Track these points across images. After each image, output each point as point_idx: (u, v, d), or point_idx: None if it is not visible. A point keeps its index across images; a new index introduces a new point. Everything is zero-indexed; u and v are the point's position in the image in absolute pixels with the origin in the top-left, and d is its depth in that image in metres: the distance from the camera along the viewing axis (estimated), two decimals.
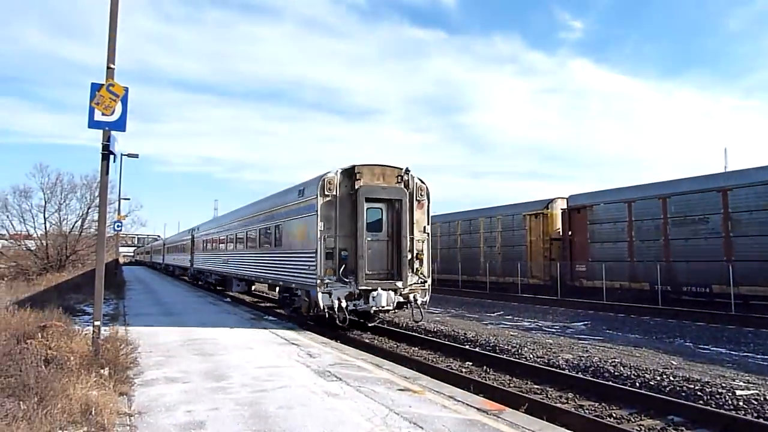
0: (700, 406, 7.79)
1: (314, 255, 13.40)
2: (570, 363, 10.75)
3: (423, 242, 14.58)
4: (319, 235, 13.32)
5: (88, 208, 32.23)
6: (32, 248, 31.91)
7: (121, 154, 32.47)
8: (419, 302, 14.04)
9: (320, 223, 13.36)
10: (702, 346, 13.34)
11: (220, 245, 26.42)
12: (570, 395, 8.91)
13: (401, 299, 13.89)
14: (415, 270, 14.12)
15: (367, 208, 13.67)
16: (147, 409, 6.18)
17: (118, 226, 32.74)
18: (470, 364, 11.55)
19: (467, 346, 13.12)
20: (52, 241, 31.71)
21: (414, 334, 15.03)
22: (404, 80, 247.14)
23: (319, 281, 13.21)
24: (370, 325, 15.38)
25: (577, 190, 31.39)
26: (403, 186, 14.15)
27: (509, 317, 19.97)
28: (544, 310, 21.50)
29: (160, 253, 52.98)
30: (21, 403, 5.57)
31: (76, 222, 32.71)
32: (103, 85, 7.67)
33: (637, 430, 7.10)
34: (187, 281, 34.79)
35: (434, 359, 12.19)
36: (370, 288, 13.33)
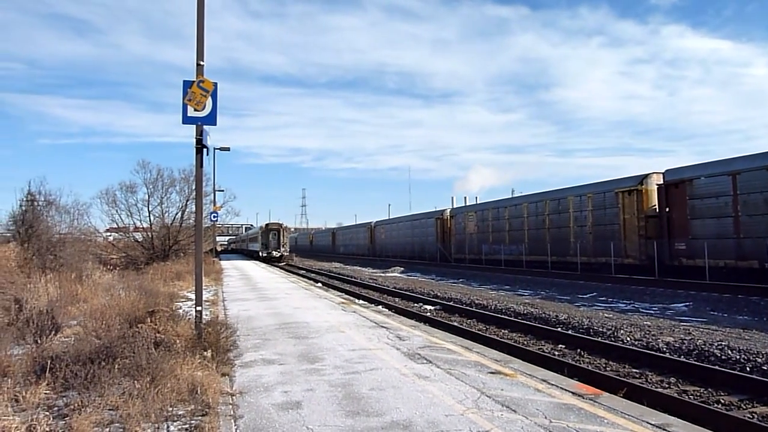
0: None
1: (258, 244, 58.81)
2: (671, 346, 10.22)
3: (287, 239, 61.03)
4: (259, 239, 59.09)
5: (187, 201, 34.10)
6: (139, 240, 34.26)
7: (214, 148, 34.09)
8: (285, 256, 57.12)
9: (260, 236, 59.14)
10: None
11: (249, 240, 73.64)
12: (672, 380, 8.48)
13: (279, 254, 56.41)
14: (283, 246, 57.87)
15: (271, 232, 58.29)
16: (247, 389, 6.50)
17: (214, 217, 34.45)
18: (563, 347, 11.25)
19: (559, 329, 12.79)
20: (156, 233, 33.89)
21: (503, 316, 14.85)
22: (487, 60, 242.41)
23: (259, 249, 57.92)
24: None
25: (673, 164, 29.57)
26: (279, 227, 59.28)
27: (603, 299, 19.26)
28: (640, 291, 20.51)
29: (245, 241, 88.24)
30: (135, 382, 6.02)
31: (176, 214, 34.75)
32: (194, 81, 8.04)
33: (749, 417, 6.63)
34: (253, 257, 63.63)
35: (525, 342, 11.99)
36: (271, 250, 56.67)
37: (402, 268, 41.21)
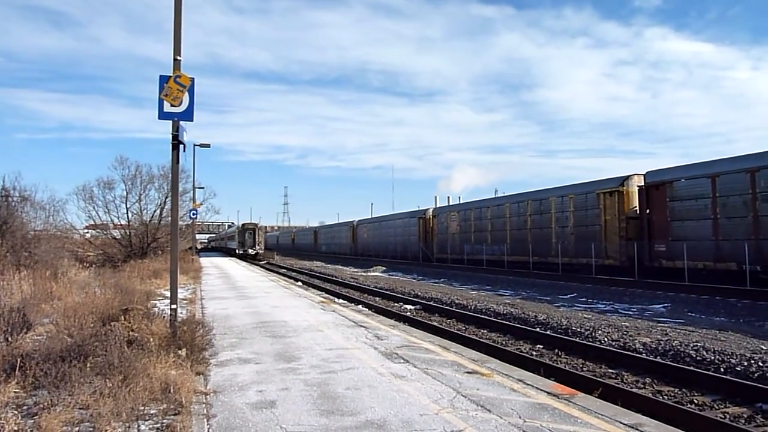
0: None
1: (236, 242, 61.32)
2: (648, 347, 10.32)
3: (262, 238, 64.06)
4: (236, 237, 61.46)
5: (166, 198, 33.37)
6: (117, 237, 33.73)
7: (193, 144, 33.91)
8: (261, 253, 59.24)
9: (237, 235, 61.66)
10: None
11: (227, 239, 75.36)
12: (647, 380, 8.55)
13: (255, 252, 58.79)
14: (259, 244, 60.29)
15: (247, 231, 61.01)
16: (221, 388, 6.42)
17: (193, 214, 34.09)
18: (541, 347, 11.31)
19: (538, 329, 12.85)
20: (134, 230, 33.39)
21: (483, 316, 14.89)
22: (471, 59, 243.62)
23: (236, 247, 60.36)
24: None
25: (655, 166, 29.83)
26: (255, 226, 62.64)
27: (583, 299, 19.41)
28: (620, 292, 20.70)
29: (224, 240, 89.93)
30: (107, 380, 5.92)
31: (155, 211, 34.19)
32: (170, 76, 7.92)
33: (721, 417, 6.70)
34: (231, 254, 66.96)
35: (503, 342, 12.03)
36: (247, 248, 59.07)
37: (384, 268, 41.17)
